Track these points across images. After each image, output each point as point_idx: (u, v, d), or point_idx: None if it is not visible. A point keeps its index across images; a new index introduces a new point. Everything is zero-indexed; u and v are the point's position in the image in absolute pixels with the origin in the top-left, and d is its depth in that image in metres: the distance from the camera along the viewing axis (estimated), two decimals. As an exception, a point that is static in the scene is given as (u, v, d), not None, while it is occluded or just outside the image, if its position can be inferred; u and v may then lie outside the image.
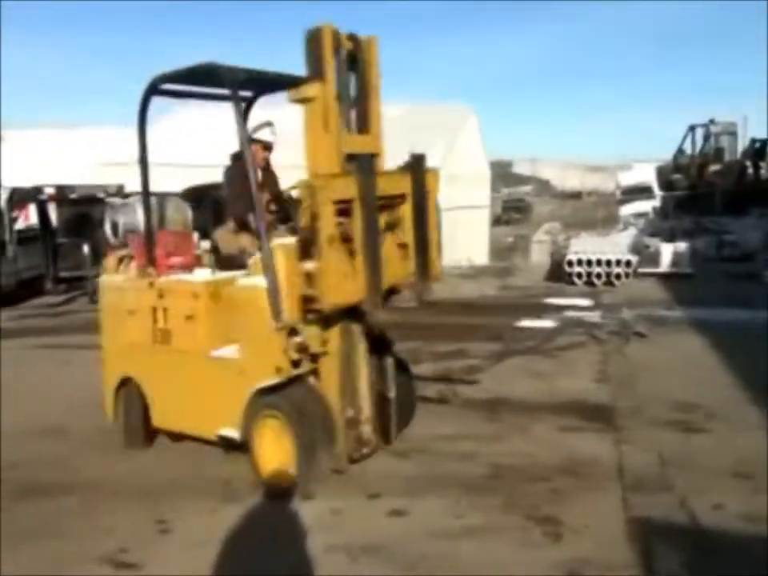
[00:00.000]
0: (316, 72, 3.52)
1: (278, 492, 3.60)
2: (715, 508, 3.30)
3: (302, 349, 3.54)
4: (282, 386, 3.61)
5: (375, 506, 3.49)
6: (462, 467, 3.89)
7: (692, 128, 21.79)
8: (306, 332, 3.52)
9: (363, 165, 3.62)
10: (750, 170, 20.75)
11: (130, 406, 4.37)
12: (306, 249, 3.43)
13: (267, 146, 4.48)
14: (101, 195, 10.86)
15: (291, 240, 3.67)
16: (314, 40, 3.51)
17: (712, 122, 21.78)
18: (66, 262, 10.63)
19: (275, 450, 3.64)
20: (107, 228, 5.16)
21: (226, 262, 4.24)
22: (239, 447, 3.82)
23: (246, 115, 4.43)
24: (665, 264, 10.74)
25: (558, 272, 10.79)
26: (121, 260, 4.49)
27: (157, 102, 4.15)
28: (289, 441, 3.58)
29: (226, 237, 4.43)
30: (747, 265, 11.10)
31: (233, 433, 3.77)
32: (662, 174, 21.98)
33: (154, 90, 4.11)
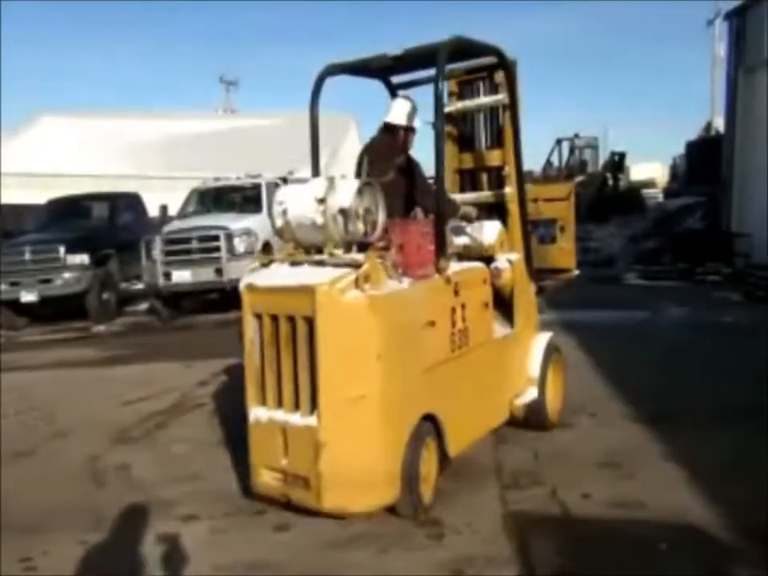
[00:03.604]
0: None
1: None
2: (583, 497, 3.54)
3: None
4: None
5: (261, 522, 3.45)
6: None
7: (558, 141, 23.20)
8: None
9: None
10: (610, 181, 22.38)
11: (416, 456, 3.30)
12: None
13: (414, 131, 4.30)
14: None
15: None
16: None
17: (576, 136, 23.30)
18: None
19: (557, 380, 4.57)
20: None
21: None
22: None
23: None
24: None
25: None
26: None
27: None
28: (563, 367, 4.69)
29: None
30: (609, 269, 11.99)
31: (532, 394, 4.30)
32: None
33: (324, 77, 4.10)
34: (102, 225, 11.11)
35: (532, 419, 4.38)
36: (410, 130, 4.24)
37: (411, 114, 4.22)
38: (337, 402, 3.13)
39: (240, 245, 9.38)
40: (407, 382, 3.28)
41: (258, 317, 3.39)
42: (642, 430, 4.43)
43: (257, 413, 3.44)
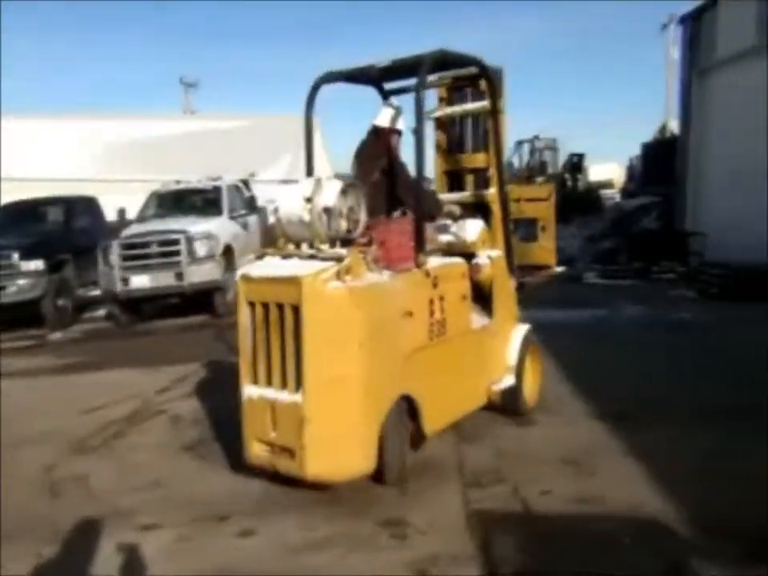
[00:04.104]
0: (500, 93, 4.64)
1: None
2: (545, 494, 3.58)
3: None
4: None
5: (224, 529, 3.42)
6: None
7: (519, 143, 23.51)
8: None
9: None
10: (569, 182, 22.75)
11: (393, 430, 3.66)
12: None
13: (401, 135, 4.56)
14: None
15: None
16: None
17: (536, 137, 23.62)
18: None
19: (534, 369, 4.86)
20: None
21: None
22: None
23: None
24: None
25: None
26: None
27: None
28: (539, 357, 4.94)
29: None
30: (570, 269, 12.18)
31: (508, 381, 4.56)
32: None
33: (320, 84, 4.41)
34: (58, 229, 10.84)
35: (509, 404, 4.67)
36: (395, 132, 4.49)
37: (396, 118, 4.47)
38: (320, 381, 3.45)
39: (200, 248, 9.25)
40: (385, 365, 3.59)
41: (252, 304, 3.70)
42: (604, 428, 4.50)
43: (249, 391, 3.74)
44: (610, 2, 76.41)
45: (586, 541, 3.14)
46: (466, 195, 4.92)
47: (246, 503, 3.67)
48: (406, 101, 4.49)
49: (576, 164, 23.36)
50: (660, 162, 15.42)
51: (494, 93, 4.57)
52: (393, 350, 3.65)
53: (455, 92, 4.99)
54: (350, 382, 3.47)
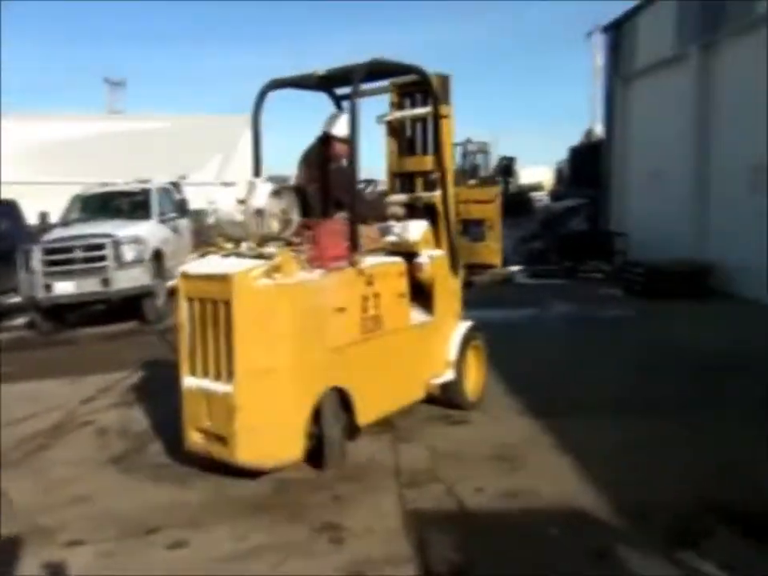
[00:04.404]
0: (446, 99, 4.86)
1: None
2: (478, 491, 3.64)
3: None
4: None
5: (153, 542, 3.31)
6: (245, 488, 3.83)
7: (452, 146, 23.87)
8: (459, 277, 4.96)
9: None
10: (501, 185, 23.25)
11: (329, 419, 3.87)
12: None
13: (346, 141, 4.47)
14: None
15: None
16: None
17: (469, 141, 24.04)
18: None
19: (477, 365, 5.00)
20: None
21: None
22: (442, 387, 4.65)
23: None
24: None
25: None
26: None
27: None
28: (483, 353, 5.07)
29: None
30: (502, 269, 12.42)
31: (448, 376, 4.68)
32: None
33: (267, 90, 4.59)
34: (-26, 234, 10.31)
35: (450, 398, 4.80)
36: (340, 139, 4.55)
37: (342, 126, 4.49)
38: (250, 372, 3.66)
39: (128, 253, 8.94)
40: (312, 358, 3.80)
41: (190, 300, 3.90)
42: (533, 423, 4.61)
43: (187, 382, 3.93)
44: (543, 5, 78.69)
45: (516, 533, 3.21)
46: (413, 197, 5.05)
47: (177, 515, 3.57)
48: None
49: (507, 167, 23.91)
50: (586, 166, 15.97)
51: (436, 98, 4.72)
52: (321, 344, 3.83)
53: (406, 97, 5.12)
54: (278, 373, 3.68)
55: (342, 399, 3.95)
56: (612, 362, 6.13)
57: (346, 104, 4.66)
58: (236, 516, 3.51)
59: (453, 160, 5.20)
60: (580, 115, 39.88)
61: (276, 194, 3.93)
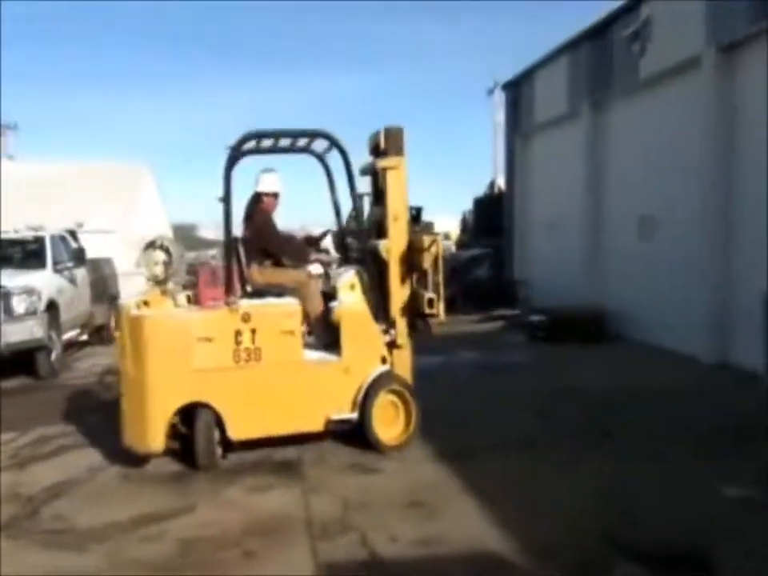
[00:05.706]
0: (398, 151, 5.20)
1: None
2: (392, 540, 3.58)
3: (391, 343, 5.13)
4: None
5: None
6: (147, 550, 3.60)
7: (360, 197, 24.26)
8: (398, 329, 5.14)
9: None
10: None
11: (200, 429, 4.63)
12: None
13: (277, 195, 5.50)
14: None
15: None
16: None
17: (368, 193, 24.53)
18: None
19: (394, 418, 5.02)
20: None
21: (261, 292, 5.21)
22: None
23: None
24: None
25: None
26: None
27: None
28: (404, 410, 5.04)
29: (276, 273, 5.37)
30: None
31: (348, 415, 4.90)
32: (338, 238, 23.92)
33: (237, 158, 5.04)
34: None
35: (361, 436, 4.95)
36: (269, 195, 5.41)
37: (267, 182, 5.39)
38: (129, 382, 4.85)
39: (19, 305, 8.38)
40: (173, 375, 4.62)
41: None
42: (442, 468, 4.65)
43: (122, 389, 5.04)
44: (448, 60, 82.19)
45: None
46: (369, 244, 5.39)
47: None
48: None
49: (415, 217, 24.39)
50: (490, 216, 16.57)
51: (346, 159, 5.24)
52: (185, 365, 4.62)
53: (374, 152, 5.46)
54: (143, 384, 4.65)
55: (216, 414, 4.64)
56: (514, 405, 6.31)
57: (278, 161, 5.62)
58: (135, 581, 3.28)
59: (406, 209, 5.43)
60: (484, 167, 41.57)
61: (150, 246, 5.08)
